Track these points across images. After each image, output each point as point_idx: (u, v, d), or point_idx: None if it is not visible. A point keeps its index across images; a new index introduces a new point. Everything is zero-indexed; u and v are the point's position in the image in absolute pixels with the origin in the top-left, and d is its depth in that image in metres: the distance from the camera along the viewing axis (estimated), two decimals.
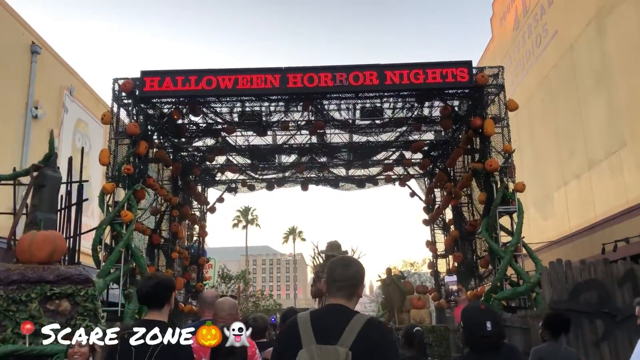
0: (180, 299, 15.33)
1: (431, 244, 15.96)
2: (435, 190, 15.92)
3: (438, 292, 14.70)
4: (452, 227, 14.23)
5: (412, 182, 16.79)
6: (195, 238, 16.42)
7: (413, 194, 16.72)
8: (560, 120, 18.03)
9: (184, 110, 11.66)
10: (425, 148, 14.50)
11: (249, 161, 15.19)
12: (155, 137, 12.71)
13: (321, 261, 9.58)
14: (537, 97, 19.71)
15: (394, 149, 14.64)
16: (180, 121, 12.41)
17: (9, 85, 14.39)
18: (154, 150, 12.50)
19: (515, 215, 10.52)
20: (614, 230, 13.40)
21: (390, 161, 15.35)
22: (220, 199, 16.97)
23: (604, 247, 10.55)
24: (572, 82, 17.15)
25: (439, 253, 15.50)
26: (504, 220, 10.69)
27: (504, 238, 10.56)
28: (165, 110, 11.48)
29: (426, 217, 16.31)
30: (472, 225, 12.77)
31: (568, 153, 17.44)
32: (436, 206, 15.65)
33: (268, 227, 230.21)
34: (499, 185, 10.48)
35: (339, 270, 2.56)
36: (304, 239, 78.61)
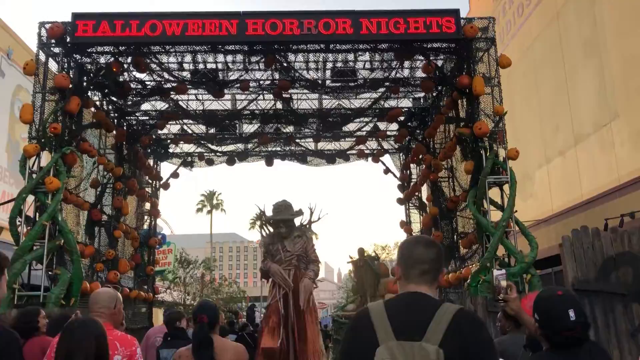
0: (129, 284, 13.73)
1: (406, 224, 14.65)
2: (412, 166, 14.60)
3: None
4: (430, 204, 12.91)
5: (387, 158, 15.42)
6: (146, 217, 14.77)
7: (387, 170, 15.34)
8: (543, 95, 16.89)
9: (126, 64, 9.96)
10: (402, 118, 13.11)
11: (205, 130, 13.57)
12: (94, 97, 11.00)
13: (270, 230, 8.05)
14: (519, 71, 18.47)
15: (368, 119, 13.20)
16: (122, 78, 10.71)
17: None
18: (92, 111, 10.80)
19: (506, 187, 9.23)
20: (605, 208, 12.27)
21: (364, 133, 13.91)
22: (175, 174, 15.30)
23: (606, 222, 9.31)
24: (557, 53, 15.99)
25: (414, 234, 14.19)
26: (493, 194, 9.39)
27: (493, 215, 9.28)
28: (103, 62, 9.76)
29: (401, 195, 14.98)
30: (454, 202, 11.45)
31: (552, 129, 16.32)
32: (412, 183, 14.32)
33: (235, 213, 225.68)
34: (488, 153, 9.15)
35: (421, 251, 2.16)
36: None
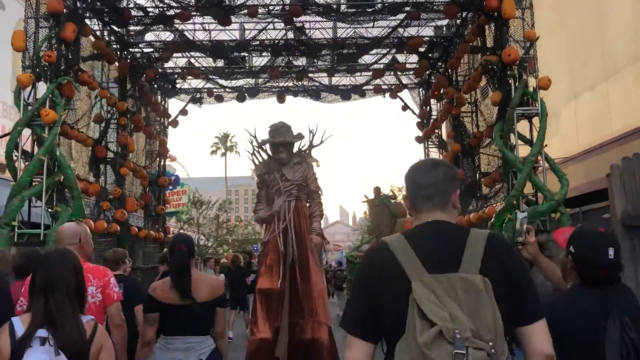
0: (138, 224, 13.41)
1: None
2: (432, 102, 13.82)
3: None
4: (451, 142, 12.22)
5: (405, 94, 14.64)
6: (155, 156, 14.29)
7: (405, 107, 14.57)
8: (573, 27, 15.78)
9: None
10: (423, 49, 12.25)
11: (213, 64, 12.84)
12: (94, 26, 10.30)
13: (264, 157, 7.10)
14: (546, 2, 17.28)
15: (385, 50, 12.36)
16: (122, 4, 9.97)
17: None
18: (91, 40, 10.13)
19: (536, 120, 8.53)
20: (635, 146, 11.52)
21: (381, 66, 13.09)
22: (184, 111, 14.69)
23: None
24: None
25: None
26: (521, 128, 8.70)
27: (521, 150, 8.63)
28: None
29: (420, 133, 14.27)
30: (477, 138, 10.77)
31: (581, 63, 15.31)
32: (432, 120, 13.58)
33: (245, 153, 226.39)
34: (517, 83, 8.40)
35: (421, 174, 1.94)
36: None
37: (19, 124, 8.12)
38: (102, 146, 10.99)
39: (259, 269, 6.50)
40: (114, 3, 9.60)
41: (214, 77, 13.79)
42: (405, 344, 1.65)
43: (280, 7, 10.06)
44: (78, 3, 9.04)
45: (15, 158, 8.14)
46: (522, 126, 8.74)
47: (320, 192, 6.62)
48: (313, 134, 6.91)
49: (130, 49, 11.95)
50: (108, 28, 10.73)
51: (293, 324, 5.83)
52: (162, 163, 14.63)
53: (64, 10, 8.37)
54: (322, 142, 6.96)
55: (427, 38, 11.82)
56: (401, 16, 10.55)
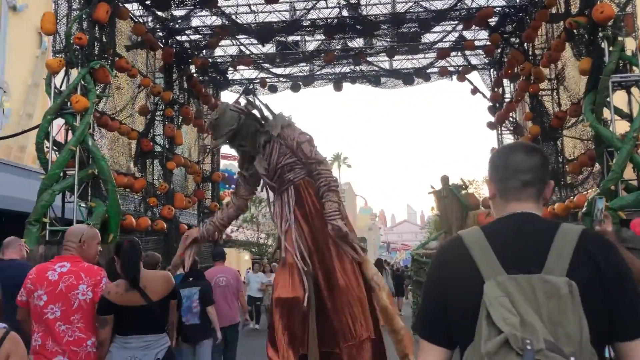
0: (191, 221, 12.78)
1: None
2: (505, 83, 12.46)
3: None
4: (528, 124, 10.84)
5: (474, 76, 13.31)
6: (208, 151, 13.64)
7: (475, 90, 13.24)
8: None
9: None
10: (493, 22, 10.93)
11: (264, 50, 12.03)
12: (135, 11, 9.69)
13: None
14: None
15: (451, 26, 11.13)
16: None
17: None
18: (130, 24, 9.50)
19: (635, 90, 7.14)
20: None
21: (446, 45, 11.87)
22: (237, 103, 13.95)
23: None
24: None
25: None
26: (618, 101, 7.33)
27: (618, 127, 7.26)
28: None
29: (492, 118, 12.92)
30: (559, 118, 9.39)
31: None
32: (506, 103, 12.21)
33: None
34: (611, 46, 7.04)
35: (521, 157, 1.67)
36: (349, 166, 75.30)
37: (49, 112, 7.53)
38: (147, 139, 10.38)
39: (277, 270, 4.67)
40: None
41: (265, 65, 12.99)
42: (472, 352, 1.50)
43: None
44: None
45: (46, 149, 7.58)
46: (619, 98, 7.36)
47: (316, 155, 4.45)
48: (251, 101, 4.68)
49: (177, 37, 11.30)
50: (151, 14, 10.07)
51: (326, 356, 4.21)
52: (215, 158, 13.95)
53: None
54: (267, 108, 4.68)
55: (499, 8, 10.49)
56: None
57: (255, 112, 4.58)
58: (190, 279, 6.21)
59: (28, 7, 13.59)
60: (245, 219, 22.24)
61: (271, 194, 4.74)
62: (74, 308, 3.56)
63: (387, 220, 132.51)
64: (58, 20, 7.73)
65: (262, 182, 4.75)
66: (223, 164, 33.16)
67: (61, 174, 7.48)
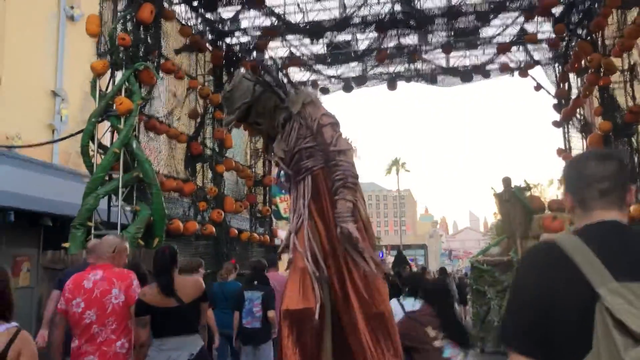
0: (243, 226, 12.60)
1: (564, 152, 11.82)
2: (571, 78, 11.65)
3: None
4: (598, 120, 10.03)
5: (538, 71, 12.54)
6: (260, 154, 13.45)
7: (539, 86, 12.47)
8: None
9: None
10: (557, 13, 10.20)
11: (313, 50, 11.72)
12: (183, 12, 9.57)
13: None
14: None
15: (511, 18, 10.47)
16: None
17: None
18: (177, 26, 9.38)
19: None
20: None
21: (507, 39, 11.20)
22: None
23: None
24: None
25: None
26: None
27: None
28: None
29: (558, 116, 12.11)
30: (634, 113, 8.60)
31: None
32: (572, 99, 11.40)
33: (367, 157, 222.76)
34: None
35: (595, 165, 1.63)
36: (408, 171, 74.04)
37: (93, 115, 7.45)
38: (197, 142, 10.25)
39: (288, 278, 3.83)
40: None
41: (316, 66, 12.68)
42: None
43: None
44: None
45: (92, 153, 7.50)
46: None
47: (337, 143, 3.66)
48: (271, 70, 4.22)
49: (226, 39, 11.15)
50: (199, 15, 9.94)
51: None
52: (268, 162, 13.73)
53: None
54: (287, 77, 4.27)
55: None
56: None
57: (273, 84, 3.96)
58: (255, 282, 6.31)
59: (84, 16, 13.86)
60: None
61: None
62: (109, 312, 3.83)
63: (448, 227, 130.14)
64: (103, 23, 7.67)
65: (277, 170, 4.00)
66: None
67: (107, 177, 7.39)
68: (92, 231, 7.19)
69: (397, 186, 75.55)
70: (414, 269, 15.46)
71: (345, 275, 3.55)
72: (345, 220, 3.49)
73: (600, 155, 1.70)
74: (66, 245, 6.96)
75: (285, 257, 3.83)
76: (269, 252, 13.23)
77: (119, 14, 7.80)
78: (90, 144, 7.46)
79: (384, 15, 10.25)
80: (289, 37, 11.19)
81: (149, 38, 8.05)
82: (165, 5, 8.74)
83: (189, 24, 9.66)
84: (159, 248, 4.39)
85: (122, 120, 7.37)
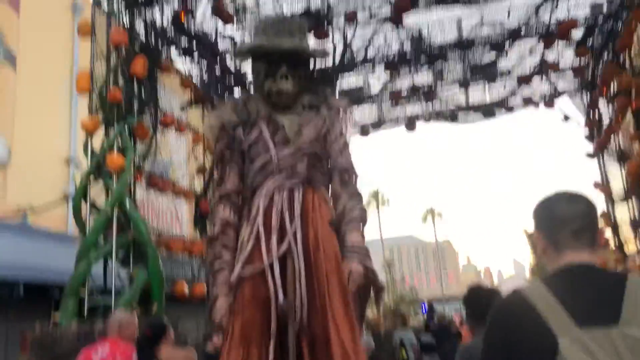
0: None
1: (601, 185, 10.93)
2: (601, 104, 10.88)
3: (621, 250, 9.72)
4: (636, 146, 9.19)
5: (564, 101, 11.81)
6: None
7: (567, 117, 11.72)
8: None
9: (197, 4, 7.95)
10: (578, 36, 9.58)
11: None
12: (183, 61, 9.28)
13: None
14: None
15: (530, 45, 9.89)
16: (217, 39, 8.79)
17: None
18: (178, 77, 9.08)
19: None
20: None
21: (527, 70, 10.58)
22: None
23: None
24: None
25: (616, 196, 10.45)
26: None
27: None
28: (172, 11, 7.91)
29: (591, 147, 11.29)
30: None
31: None
32: (605, 126, 10.60)
33: (400, 208, 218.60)
34: None
35: (565, 206, 1.66)
36: (443, 219, 72.24)
37: (84, 174, 7.05)
38: (207, 200, 9.76)
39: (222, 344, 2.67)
40: (204, 37, 8.43)
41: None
42: None
43: (385, 2, 8.20)
44: (152, 34, 7.96)
45: (84, 214, 7.06)
46: None
47: (354, 170, 2.83)
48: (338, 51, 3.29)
49: (234, 88, 10.83)
50: (199, 61, 9.66)
51: None
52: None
53: (127, 41, 7.28)
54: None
55: (583, 19, 9.17)
56: None
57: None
58: None
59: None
60: None
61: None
62: None
63: (493, 277, 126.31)
64: (95, 80, 7.37)
65: (257, 159, 2.69)
66: None
67: (102, 240, 6.91)
68: (86, 300, 6.66)
69: (434, 237, 73.91)
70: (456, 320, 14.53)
71: (326, 332, 2.42)
72: (360, 257, 2.58)
73: (569, 196, 1.70)
74: (56, 316, 6.44)
75: None
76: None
77: (107, 62, 7.52)
78: (83, 205, 7.04)
79: (393, 54, 9.80)
80: None
81: (143, 92, 7.71)
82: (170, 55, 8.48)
83: (190, 75, 9.33)
84: (143, 328, 4.58)
85: (114, 178, 6.94)
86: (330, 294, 2.44)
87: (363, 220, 2.75)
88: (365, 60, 9.69)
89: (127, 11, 7.63)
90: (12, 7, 12.19)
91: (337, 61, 9.33)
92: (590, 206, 1.67)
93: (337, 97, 2.83)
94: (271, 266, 2.44)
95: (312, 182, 2.71)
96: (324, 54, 2.96)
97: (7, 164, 11.80)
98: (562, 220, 1.63)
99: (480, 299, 2.92)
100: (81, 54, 13.26)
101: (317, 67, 3.02)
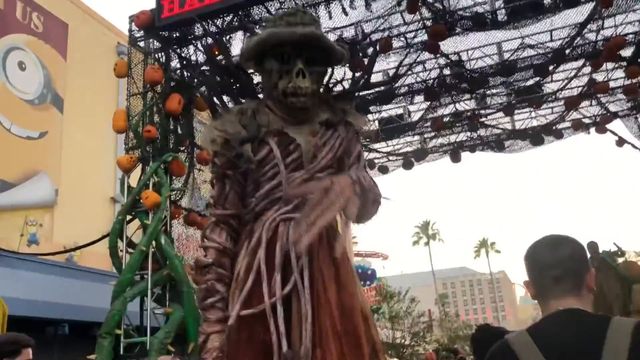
0: None
1: None
2: None
3: None
4: None
5: (617, 124, 11.27)
6: None
7: (622, 141, 11.15)
8: None
9: (232, 41, 7.98)
10: (628, 54, 9.12)
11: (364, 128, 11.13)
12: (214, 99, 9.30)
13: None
14: None
15: (575, 67, 9.50)
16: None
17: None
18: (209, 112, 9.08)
19: None
20: None
21: (573, 91, 10.15)
22: None
23: None
24: None
25: None
26: None
27: None
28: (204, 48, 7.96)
29: None
30: None
31: None
32: None
33: (450, 240, 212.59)
34: None
35: (546, 253, 1.69)
36: (498, 251, 69.92)
37: (121, 212, 7.06)
38: None
39: None
40: (232, 70, 8.43)
41: (374, 146, 12.05)
42: None
43: (422, 28, 8.02)
44: (186, 73, 8.01)
45: (121, 254, 7.03)
46: None
47: (374, 186, 2.27)
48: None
49: None
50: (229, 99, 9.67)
51: None
52: None
53: (161, 78, 7.34)
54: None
55: (632, 35, 8.73)
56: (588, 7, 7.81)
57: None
58: None
59: None
60: (389, 318, 20.56)
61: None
62: None
63: None
64: (131, 118, 7.44)
65: (264, 183, 2.28)
66: (355, 260, 32.22)
67: (138, 278, 6.85)
68: (122, 339, 6.57)
69: (488, 269, 71.74)
70: None
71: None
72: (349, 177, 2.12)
73: (552, 241, 1.71)
74: (92, 357, 6.35)
75: None
76: None
77: (144, 99, 7.59)
78: (120, 243, 7.03)
79: (432, 81, 9.57)
80: None
81: (179, 129, 7.73)
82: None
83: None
84: None
85: (150, 214, 6.90)
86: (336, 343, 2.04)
87: (374, 197, 2.23)
88: (402, 89, 9.47)
89: (162, 50, 7.74)
90: (60, 52, 12.66)
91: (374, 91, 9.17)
92: (574, 251, 1.67)
93: (356, 114, 2.35)
94: (274, 308, 2.08)
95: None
96: (342, 54, 2.48)
97: (54, 205, 12.08)
98: (544, 266, 1.66)
99: (488, 339, 2.86)
100: (125, 95, 13.62)
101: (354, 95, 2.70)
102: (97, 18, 14.26)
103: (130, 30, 7.79)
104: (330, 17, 7.71)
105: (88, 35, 13.50)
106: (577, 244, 1.70)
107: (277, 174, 2.23)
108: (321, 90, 2.45)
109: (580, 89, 10.18)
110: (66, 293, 10.73)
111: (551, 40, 8.94)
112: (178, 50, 7.93)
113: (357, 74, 4.26)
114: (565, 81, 9.96)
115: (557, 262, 1.64)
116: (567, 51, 8.86)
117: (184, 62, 7.96)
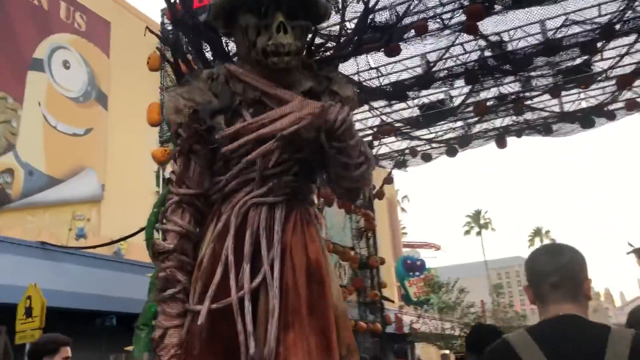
0: (351, 313, 11.53)
1: None
2: None
3: None
4: None
5: None
6: (362, 233, 12.56)
7: None
8: None
9: None
10: None
11: (405, 115, 10.90)
12: None
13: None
14: None
15: (627, 42, 8.97)
16: None
17: None
18: None
19: None
20: None
21: (625, 68, 9.59)
22: (389, 179, 12.88)
23: None
24: None
25: None
26: None
27: None
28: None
29: None
30: None
31: None
32: None
33: (504, 228, 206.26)
34: None
35: (545, 260, 1.76)
36: (553, 240, 67.72)
37: (155, 204, 7.06)
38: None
39: None
40: None
41: (415, 133, 11.77)
42: None
43: (452, 10, 7.72)
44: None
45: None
46: None
47: (369, 157, 2.02)
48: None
49: None
50: None
51: None
52: (372, 242, 12.75)
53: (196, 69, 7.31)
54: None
55: None
56: None
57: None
58: None
59: None
60: (442, 308, 20.34)
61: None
62: None
63: (614, 299, 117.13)
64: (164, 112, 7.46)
65: (235, 160, 1.99)
66: (404, 251, 31.86)
67: None
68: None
69: None
70: None
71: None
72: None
73: (552, 249, 1.83)
74: (129, 348, 6.42)
75: None
76: (382, 341, 11.98)
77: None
78: (156, 234, 7.07)
79: (473, 64, 9.22)
80: (375, 104, 10.45)
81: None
82: None
83: None
84: None
85: None
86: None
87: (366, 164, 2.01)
88: (441, 73, 9.17)
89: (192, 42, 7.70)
90: (103, 49, 12.91)
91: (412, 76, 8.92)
92: (572, 258, 1.73)
93: (342, 82, 2.08)
94: (241, 304, 1.85)
95: (298, 196, 2.07)
96: (326, 8, 2.06)
97: (101, 200, 12.36)
98: (542, 274, 1.72)
99: (482, 337, 2.94)
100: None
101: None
102: (138, 15, 14.46)
103: (162, 24, 7.81)
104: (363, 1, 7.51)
105: (130, 32, 13.70)
106: (576, 253, 1.76)
107: (251, 151, 1.89)
108: (304, 52, 2.12)
109: (633, 66, 9.61)
110: (113, 285, 10.98)
111: (599, 16, 8.45)
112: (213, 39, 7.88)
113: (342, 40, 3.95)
114: (617, 58, 9.45)
115: (555, 269, 1.71)
116: (617, 26, 8.36)
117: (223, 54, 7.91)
